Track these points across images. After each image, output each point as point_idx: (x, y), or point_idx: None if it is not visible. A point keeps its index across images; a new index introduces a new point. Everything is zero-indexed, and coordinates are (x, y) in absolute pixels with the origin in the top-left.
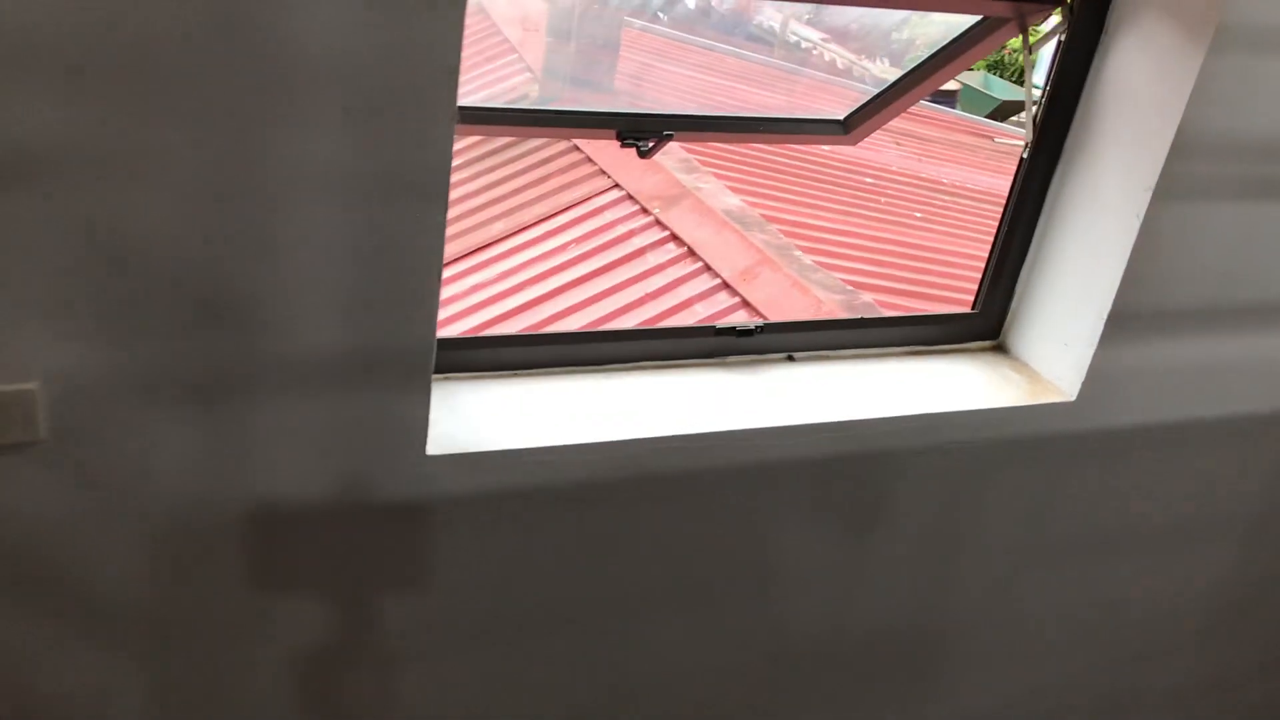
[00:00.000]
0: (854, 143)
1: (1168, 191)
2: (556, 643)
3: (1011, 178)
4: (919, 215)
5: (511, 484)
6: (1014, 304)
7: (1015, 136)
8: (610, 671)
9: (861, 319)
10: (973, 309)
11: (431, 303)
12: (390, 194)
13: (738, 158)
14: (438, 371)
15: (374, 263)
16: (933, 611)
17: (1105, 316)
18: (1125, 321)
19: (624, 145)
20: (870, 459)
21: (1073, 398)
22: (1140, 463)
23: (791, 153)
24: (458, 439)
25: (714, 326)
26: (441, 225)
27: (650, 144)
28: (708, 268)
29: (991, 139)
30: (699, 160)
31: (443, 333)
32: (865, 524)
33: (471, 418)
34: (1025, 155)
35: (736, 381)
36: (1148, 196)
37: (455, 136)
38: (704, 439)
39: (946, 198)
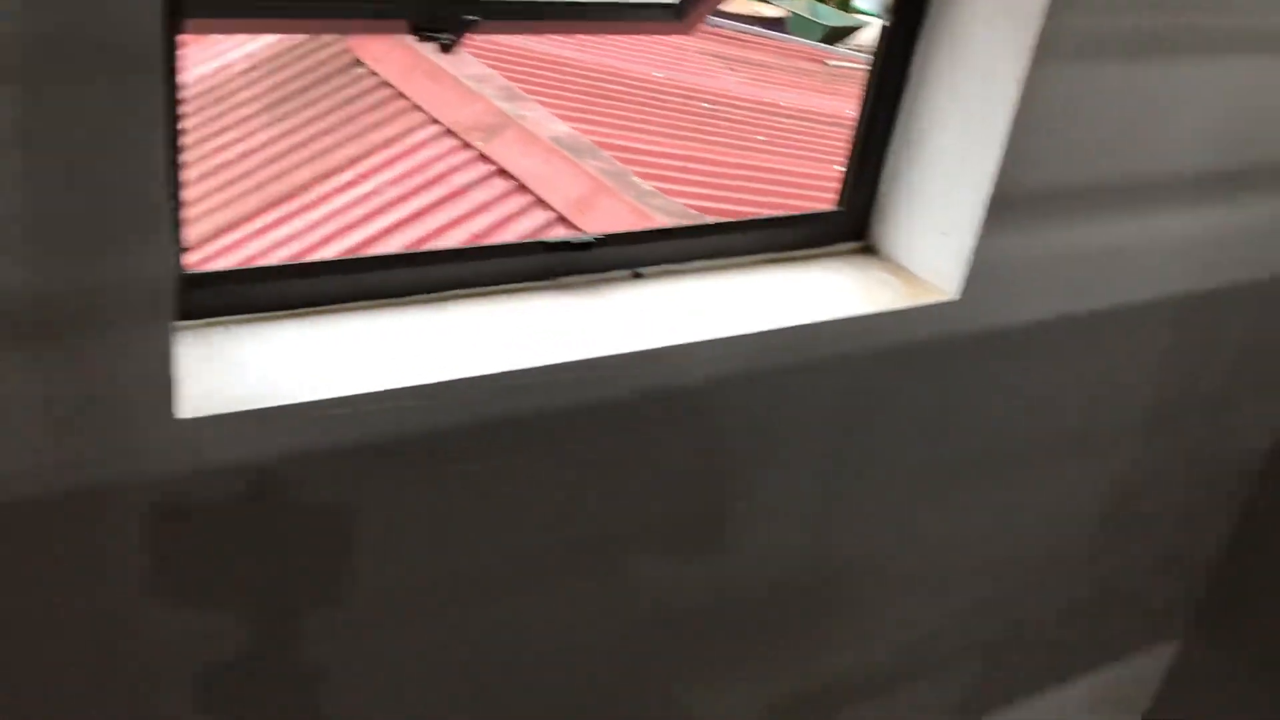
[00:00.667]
0: (688, 30)
1: (1051, 50)
2: (388, 639)
3: (845, 99)
4: (761, 139)
5: (307, 445)
6: (881, 195)
7: (848, 59)
8: (470, 661)
9: (713, 224)
10: (837, 206)
11: (159, 223)
12: (72, 65)
13: (563, 83)
14: (196, 315)
15: (57, 168)
16: (827, 552)
17: (986, 200)
18: (1009, 205)
19: (421, 39)
20: (738, 383)
21: (955, 296)
22: (1032, 362)
23: (621, 78)
24: (227, 395)
25: (545, 242)
26: (160, 111)
27: (452, 38)
28: (540, 201)
29: (824, 63)
30: (521, 88)
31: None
32: (741, 460)
33: (249, 368)
34: (886, 22)
35: (576, 305)
36: (1028, 58)
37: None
38: (543, 374)
39: (787, 121)
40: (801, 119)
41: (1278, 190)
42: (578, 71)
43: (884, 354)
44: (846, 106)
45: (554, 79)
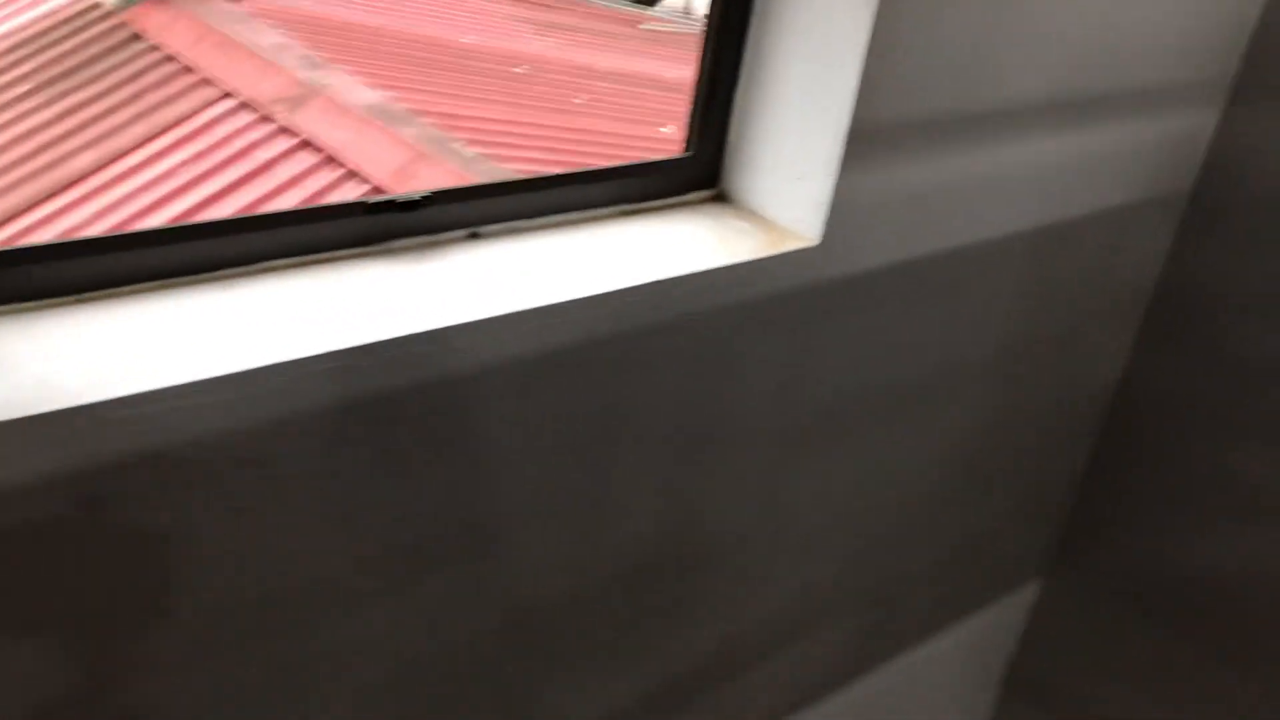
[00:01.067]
0: None
1: None
2: (220, 664)
3: (661, 60)
4: (579, 101)
5: (101, 452)
6: (732, 139)
7: (660, 21)
8: (312, 678)
9: (554, 177)
10: (685, 153)
11: None
12: None
13: (368, 51)
14: None
15: None
16: (689, 527)
17: (843, 137)
18: (866, 141)
19: None
20: (592, 348)
21: (816, 241)
22: (893, 307)
23: (428, 44)
24: None
25: (365, 203)
26: None
27: None
28: (354, 174)
29: (635, 25)
30: (323, 56)
31: None
32: (599, 430)
33: (21, 367)
34: None
35: (406, 273)
36: None
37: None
38: (371, 353)
39: (604, 84)
40: (619, 81)
41: (1125, 116)
42: (382, 38)
43: (744, 308)
44: (663, 68)
45: (358, 46)
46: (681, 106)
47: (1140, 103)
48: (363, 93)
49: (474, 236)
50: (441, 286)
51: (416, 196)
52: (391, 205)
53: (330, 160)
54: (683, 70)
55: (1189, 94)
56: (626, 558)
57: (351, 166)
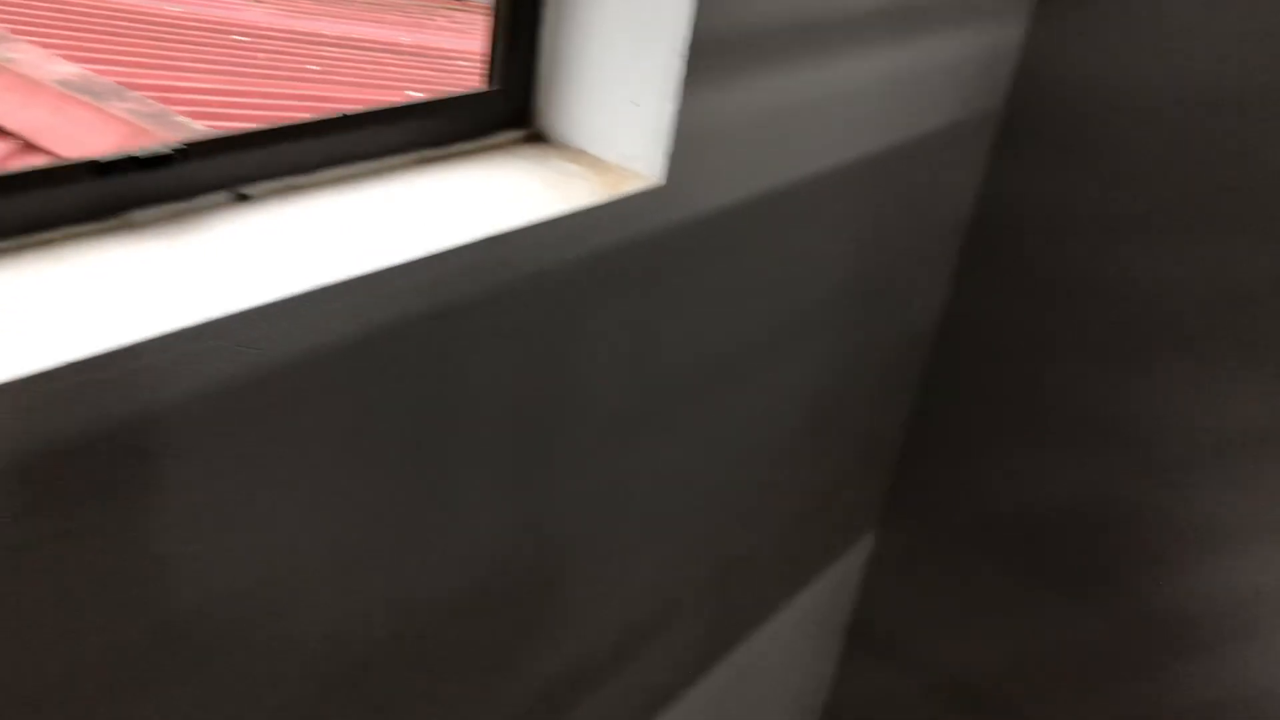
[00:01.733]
0: None
1: None
2: None
3: (392, 27)
4: (314, 69)
5: None
6: (545, 65)
7: None
8: None
9: (335, 119)
10: (488, 87)
11: None
12: None
13: (58, 21)
14: None
15: None
16: (534, 533)
17: (682, 49)
18: (709, 54)
19: None
20: (403, 332)
21: (660, 180)
22: (742, 250)
23: (128, 12)
24: None
25: (95, 162)
26: None
27: None
28: (57, 158)
29: None
30: (5, 28)
31: None
32: (420, 431)
33: None
34: None
35: (151, 251)
36: None
37: None
38: (110, 365)
39: (335, 50)
40: (351, 48)
41: (946, 28)
42: (70, 7)
43: (583, 267)
44: (398, 34)
45: (44, 17)
46: (423, 71)
47: (958, 13)
48: (57, 66)
49: (241, 198)
50: (199, 267)
51: (165, 150)
52: (131, 163)
53: (27, 146)
54: (420, 35)
55: (996, 5)
56: (460, 581)
57: (51, 149)
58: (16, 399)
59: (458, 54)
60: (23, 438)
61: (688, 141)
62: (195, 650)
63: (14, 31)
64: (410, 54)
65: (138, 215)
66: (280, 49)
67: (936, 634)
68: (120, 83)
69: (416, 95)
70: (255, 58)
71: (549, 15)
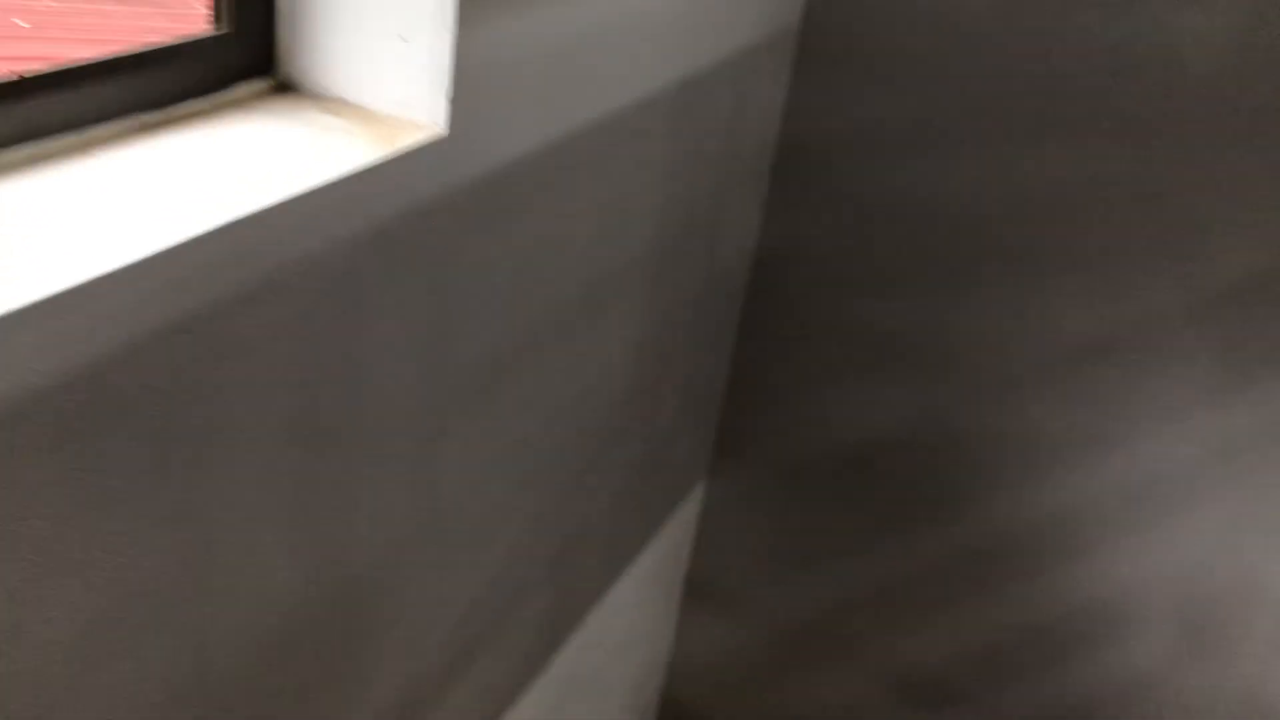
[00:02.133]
0: None
1: None
2: None
3: None
4: (26, 25)
5: None
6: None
7: None
8: None
9: (20, 81)
10: (218, 29)
11: None
12: None
13: None
14: None
15: None
16: (336, 560)
17: None
18: None
19: None
20: (148, 345)
21: (442, 129)
22: (547, 203)
23: None
24: None
25: None
26: None
27: None
28: None
29: None
30: None
31: None
32: (186, 456)
33: None
34: None
35: None
36: None
37: None
38: None
39: (52, 2)
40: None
41: None
42: None
43: (360, 242)
44: None
45: None
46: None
47: None
48: None
49: None
50: None
51: None
52: None
53: None
54: None
55: None
56: (252, 631)
57: None
58: None
59: None
60: None
61: (472, 81)
62: None
63: None
64: (142, 2)
65: None
66: None
67: (775, 577)
68: None
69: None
70: None
71: None
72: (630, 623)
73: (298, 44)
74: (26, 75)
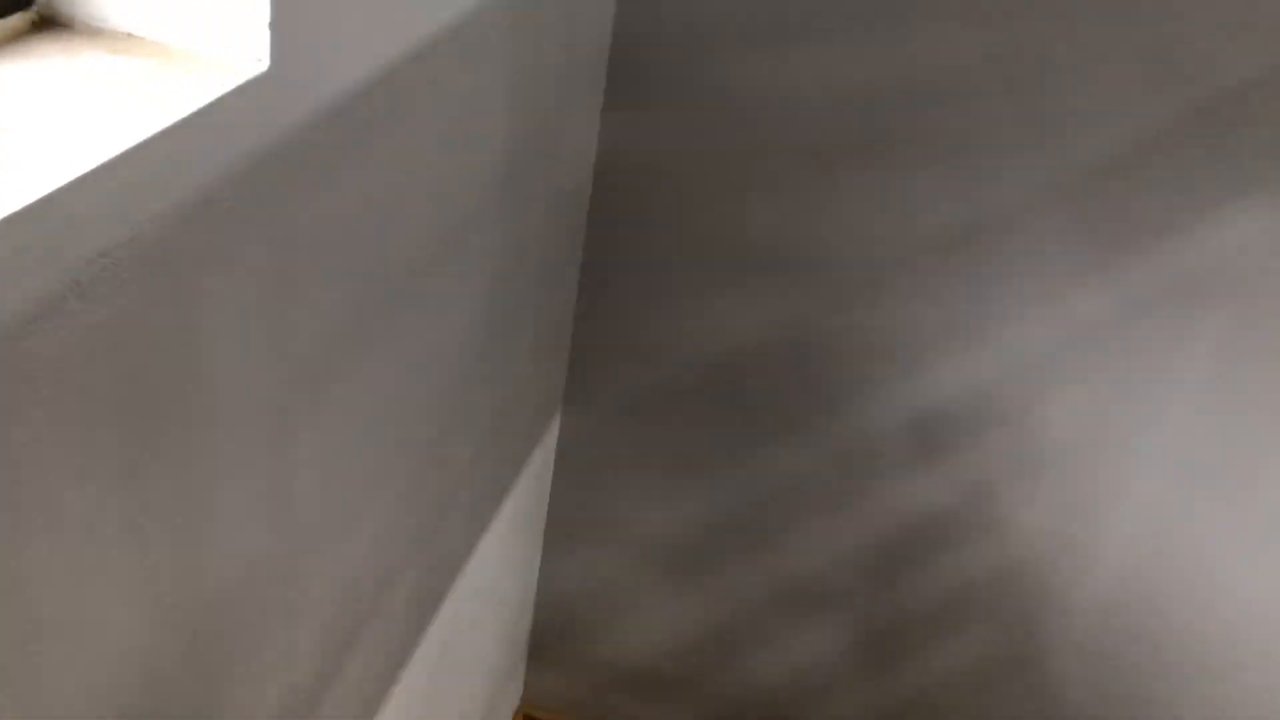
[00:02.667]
0: None
1: None
2: None
3: None
4: None
5: None
6: None
7: None
8: None
9: None
10: None
11: None
12: None
13: None
14: None
15: None
16: (189, 586)
17: None
18: None
19: None
20: None
21: (262, 63)
22: (386, 140)
23: None
24: None
25: None
26: None
27: None
28: None
29: None
30: None
31: None
32: None
33: None
34: None
35: None
36: None
37: None
38: None
39: None
40: None
41: None
42: None
43: (177, 216)
44: None
45: None
46: None
47: None
48: None
49: None
50: None
51: None
52: None
53: None
54: None
55: None
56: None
57: None
58: None
59: None
60: None
61: (293, 3)
62: None
63: None
64: None
65: None
66: None
67: (638, 503)
68: None
69: None
70: None
71: None
72: (500, 570)
73: None
74: None
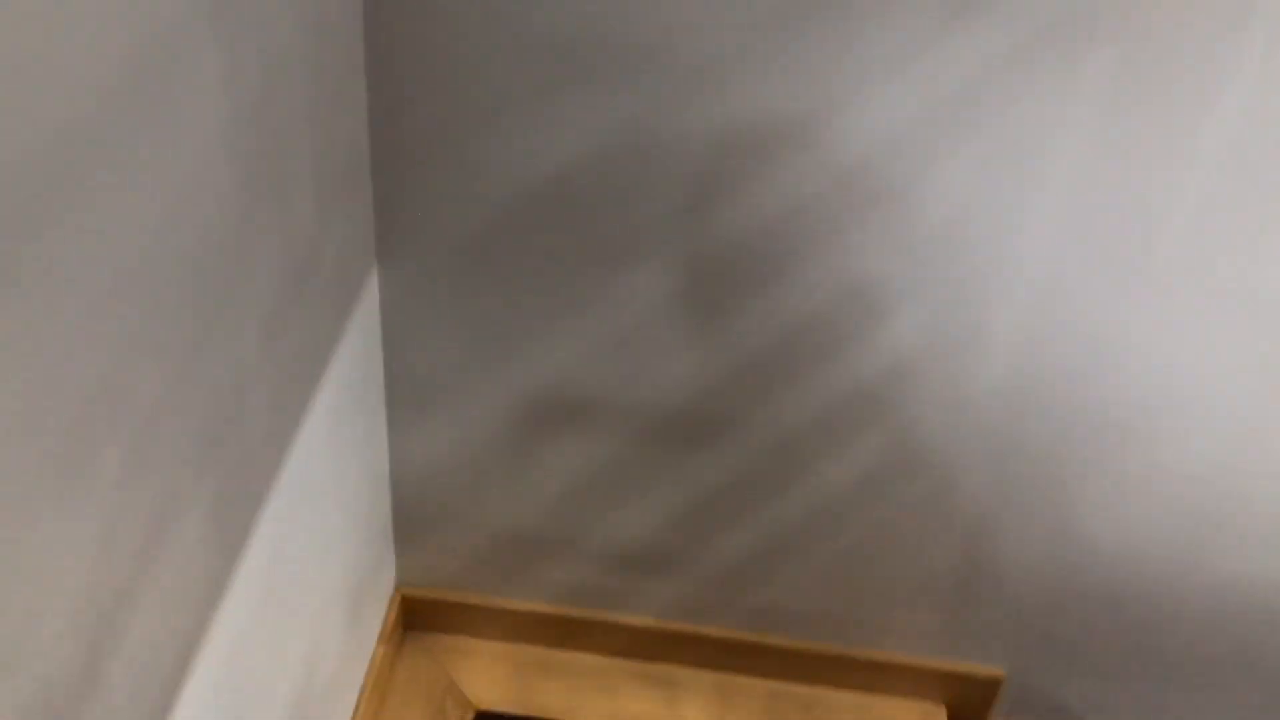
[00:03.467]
0: None
1: None
2: None
3: None
4: None
5: None
6: None
7: None
8: None
9: None
10: None
11: None
12: None
13: None
14: None
15: None
16: None
17: None
18: None
19: None
20: None
21: None
22: None
23: None
24: None
25: None
26: None
27: None
28: None
29: None
30: None
31: None
32: None
33: None
34: None
35: None
36: None
37: None
38: None
39: None
40: None
41: None
42: None
43: None
44: None
45: None
46: None
47: None
48: None
49: None
50: None
51: None
52: None
53: None
54: None
55: None
56: None
57: None
58: None
59: None
60: None
61: None
62: None
63: None
64: None
65: None
66: None
67: (486, 358)
68: None
69: None
70: None
71: None
72: (332, 460)
73: None
74: None
